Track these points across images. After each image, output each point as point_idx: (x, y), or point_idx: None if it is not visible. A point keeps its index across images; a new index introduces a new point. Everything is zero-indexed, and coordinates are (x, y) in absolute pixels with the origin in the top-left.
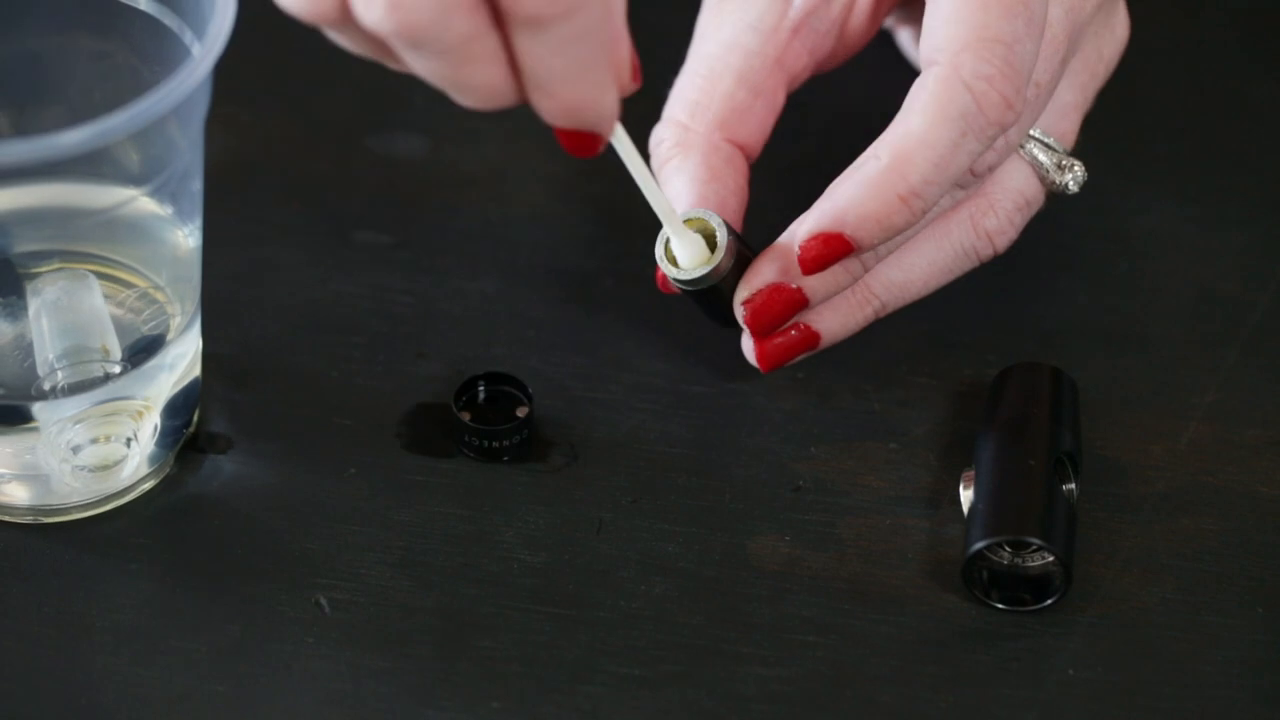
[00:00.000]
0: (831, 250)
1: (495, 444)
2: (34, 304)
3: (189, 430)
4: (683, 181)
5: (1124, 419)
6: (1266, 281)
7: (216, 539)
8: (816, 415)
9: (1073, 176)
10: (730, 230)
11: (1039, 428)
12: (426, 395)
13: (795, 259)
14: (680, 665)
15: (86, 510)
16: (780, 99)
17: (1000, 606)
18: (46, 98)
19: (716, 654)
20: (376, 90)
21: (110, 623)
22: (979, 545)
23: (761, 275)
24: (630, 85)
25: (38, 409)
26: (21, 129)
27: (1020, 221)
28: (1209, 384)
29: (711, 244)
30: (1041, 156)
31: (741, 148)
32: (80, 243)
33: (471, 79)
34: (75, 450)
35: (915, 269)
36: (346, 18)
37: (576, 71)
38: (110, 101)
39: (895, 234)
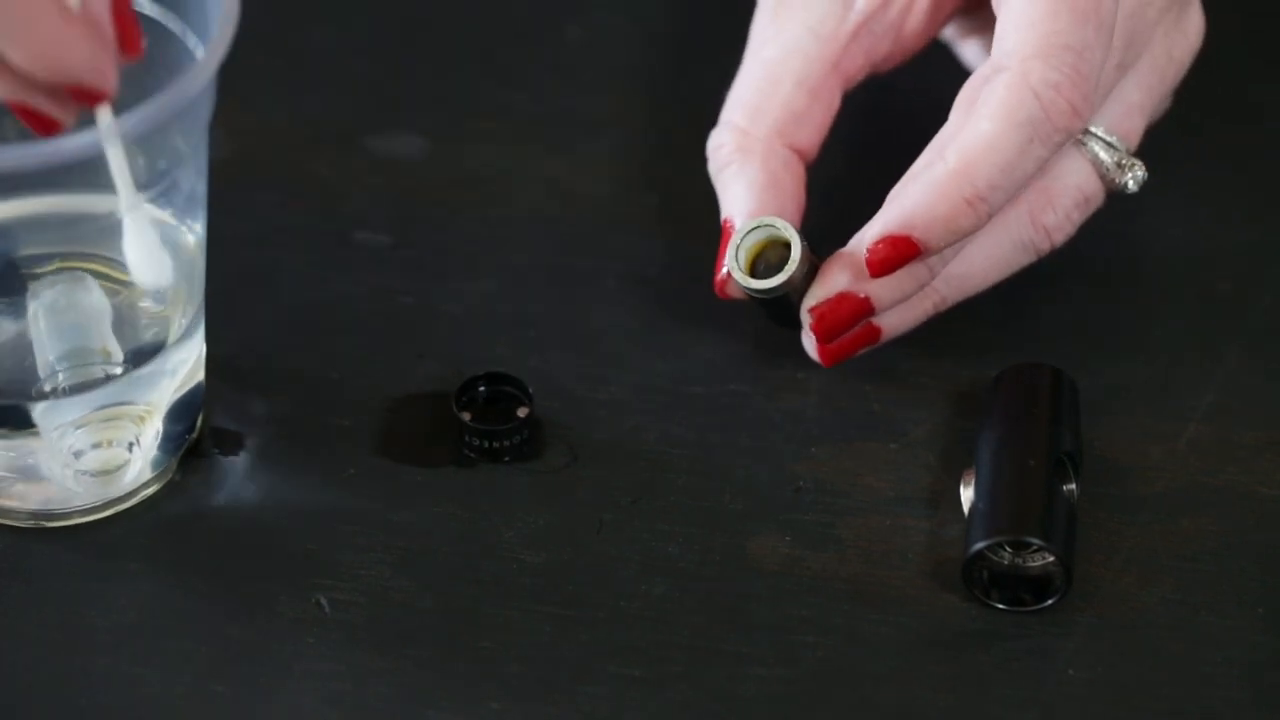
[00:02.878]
0: (899, 253)
1: (496, 444)
2: (34, 306)
3: (192, 436)
4: (742, 187)
5: (1124, 419)
6: (1266, 281)
7: (216, 539)
8: (816, 415)
9: (1133, 176)
10: (804, 242)
11: (1039, 428)
12: (426, 395)
13: (863, 264)
14: (680, 666)
15: (88, 515)
16: (836, 102)
17: (1000, 606)
18: None
19: (716, 654)
20: (376, 90)
21: (110, 623)
22: (979, 545)
23: (831, 284)
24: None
25: (38, 412)
26: (25, 134)
27: (1079, 218)
28: (1209, 384)
29: (775, 254)
30: (1103, 155)
31: (799, 152)
32: (82, 245)
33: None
34: (77, 455)
35: (975, 263)
36: None
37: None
38: (114, 107)
39: (962, 236)
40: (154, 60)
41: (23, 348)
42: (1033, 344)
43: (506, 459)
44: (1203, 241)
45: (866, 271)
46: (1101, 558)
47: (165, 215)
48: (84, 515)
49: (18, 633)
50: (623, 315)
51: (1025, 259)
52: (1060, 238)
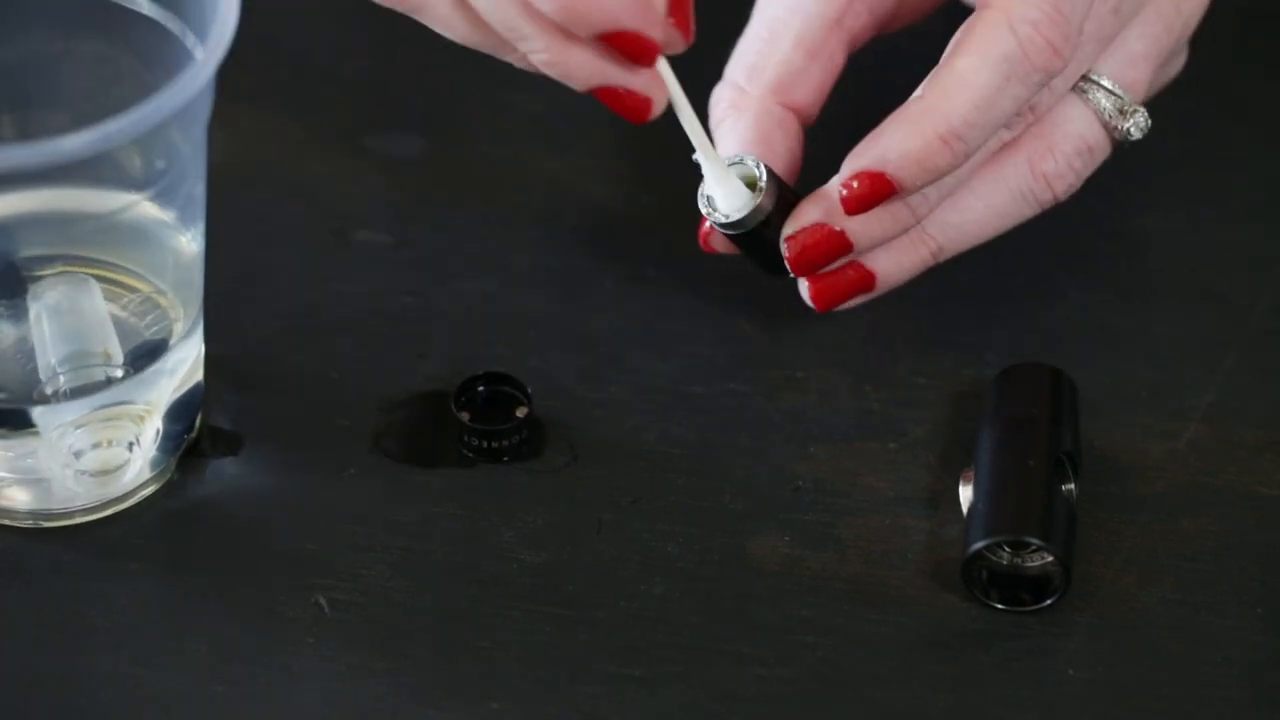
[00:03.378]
0: (874, 190)
1: (495, 444)
2: (35, 308)
3: (191, 435)
4: (731, 143)
5: (1124, 419)
6: (1266, 281)
7: (216, 539)
8: (816, 415)
9: (1134, 123)
10: (772, 174)
11: (1039, 428)
12: (426, 395)
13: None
14: (680, 665)
15: (88, 515)
16: (839, 60)
17: (1000, 606)
18: (49, 102)
19: (716, 654)
20: (376, 90)
21: (110, 623)
22: (979, 545)
23: (806, 215)
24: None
25: (39, 413)
26: (24, 133)
27: (1081, 168)
28: (1209, 384)
29: (754, 189)
30: (1105, 102)
31: (797, 111)
32: (82, 247)
33: None
34: (77, 455)
35: (971, 211)
36: None
37: None
38: (113, 106)
39: (938, 176)
40: (154, 60)
41: (24, 351)
42: (1033, 344)
43: (506, 459)
44: (1203, 241)
45: (841, 208)
46: (1101, 558)
47: (165, 215)
48: (84, 515)
49: (18, 633)
50: (623, 315)
51: (1026, 210)
52: (1062, 187)
